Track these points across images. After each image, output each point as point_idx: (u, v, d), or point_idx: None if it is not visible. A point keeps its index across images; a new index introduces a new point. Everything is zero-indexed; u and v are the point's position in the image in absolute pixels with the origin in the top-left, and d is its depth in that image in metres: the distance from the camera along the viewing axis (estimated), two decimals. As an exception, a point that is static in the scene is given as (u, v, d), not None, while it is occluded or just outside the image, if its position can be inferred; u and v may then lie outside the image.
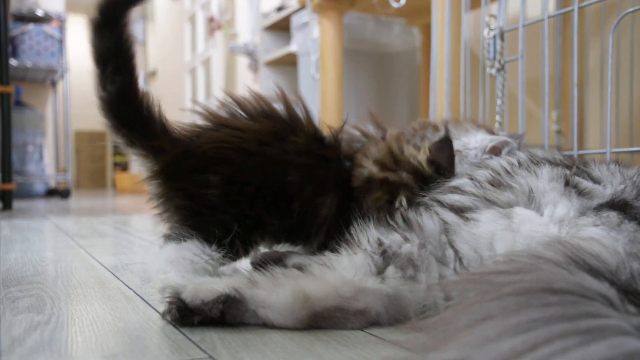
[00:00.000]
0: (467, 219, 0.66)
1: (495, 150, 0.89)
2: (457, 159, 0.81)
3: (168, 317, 0.64)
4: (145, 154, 0.77)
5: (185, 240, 0.74)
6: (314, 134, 0.80)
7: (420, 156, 0.77)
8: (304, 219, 0.77)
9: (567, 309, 0.39)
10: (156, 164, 0.76)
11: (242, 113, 0.79)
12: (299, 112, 0.80)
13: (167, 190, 0.76)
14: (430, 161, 0.77)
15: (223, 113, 0.79)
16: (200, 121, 0.79)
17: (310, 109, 0.82)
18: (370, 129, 0.92)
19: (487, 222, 0.65)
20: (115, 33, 0.74)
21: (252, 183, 0.75)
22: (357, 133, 0.92)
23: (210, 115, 0.79)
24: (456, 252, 0.65)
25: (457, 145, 0.88)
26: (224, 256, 0.74)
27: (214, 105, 0.81)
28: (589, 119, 1.81)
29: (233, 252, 0.76)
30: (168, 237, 0.76)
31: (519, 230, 0.63)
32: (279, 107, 0.80)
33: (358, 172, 0.79)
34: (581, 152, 1.15)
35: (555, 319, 0.38)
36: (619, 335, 0.37)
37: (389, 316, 0.63)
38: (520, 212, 0.65)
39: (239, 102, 0.79)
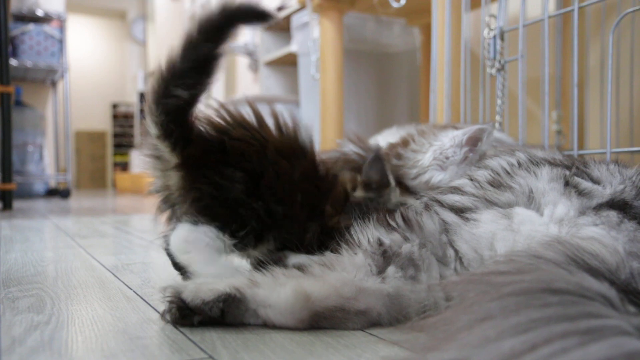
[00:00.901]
0: (467, 219, 0.66)
1: (473, 141, 0.87)
2: (390, 173, 0.91)
3: (168, 317, 0.63)
4: (172, 146, 0.76)
5: (201, 224, 0.74)
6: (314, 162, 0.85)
7: (349, 185, 0.88)
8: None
9: (567, 309, 0.39)
10: (181, 154, 0.76)
11: (265, 123, 0.82)
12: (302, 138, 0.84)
13: (190, 181, 0.76)
14: (364, 183, 0.88)
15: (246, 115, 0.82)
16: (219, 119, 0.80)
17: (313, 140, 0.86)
18: (352, 148, 0.98)
19: (487, 222, 0.65)
20: (210, 48, 0.74)
21: (271, 186, 0.77)
22: (352, 153, 0.97)
23: (234, 115, 0.81)
24: (456, 252, 0.65)
25: (433, 150, 0.89)
26: (235, 245, 0.75)
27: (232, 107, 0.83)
28: (589, 119, 1.81)
29: (244, 243, 0.76)
30: (180, 221, 0.76)
31: (519, 230, 0.63)
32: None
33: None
34: (581, 152, 1.15)
35: (555, 319, 0.38)
36: (618, 335, 0.37)
37: (390, 316, 0.62)
38: (521, 212, 0.65)
39: (255, 113, 0.82)
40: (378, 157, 0.89)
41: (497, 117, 1.29)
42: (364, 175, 0.88)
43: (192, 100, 0.75)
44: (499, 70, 1.28)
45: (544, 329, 0.37)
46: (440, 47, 1.44)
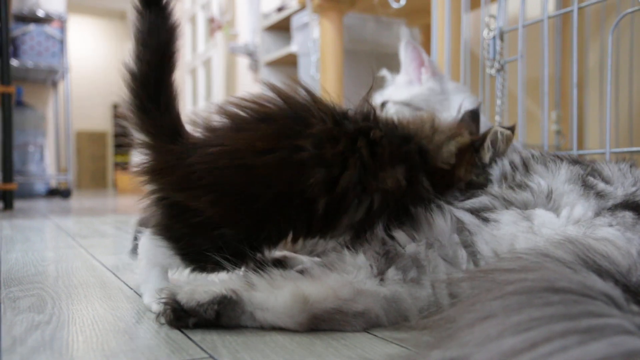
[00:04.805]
0: (486, 220, 0.65)
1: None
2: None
3: (162, 319, 0.63)
4: (145, 147, 0.68)
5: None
6: (333, 112, 0.68)
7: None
8: (337, 211, 0.67)
9: (569, 308, 0.40)
10: (151, 161, 0.68)
11: (237, 129, 0.67)
12: (303, 99, 0.69)
13: (154, 193, 0.69)
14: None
15: (215, 124, 0.68)
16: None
17: (313, 89, 0.70)
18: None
19: (507, 223, 0.64)
20: (157, 14, 0.68)
21: (247, 203, 0.65)
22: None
23: (207, 128, 0.69)
24: (472, 253, 0.63)
25: None
26: (192, 268, 0.68)
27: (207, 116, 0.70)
28: (589, 119, 1.81)
29: (206, 267, 0.68)
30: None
31: (540, 232, 0.63)
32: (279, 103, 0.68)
33: (446, 150, 0.74)
34: (581, 152, 1.15)
35: (556, 317, 0.38)
36: (619, 334, 0.37)
37: (389, 319, 0.62)
38: (541, 214, 0.64)
39: (226, 113, 0.68)
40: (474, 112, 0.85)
41: (497, 118, 1.29)
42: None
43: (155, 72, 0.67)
44: (498, 70, 1.28)
45: (545, 327, 0.37)
46: (440, 47, 1.44)
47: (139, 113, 0.68)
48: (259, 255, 0.69)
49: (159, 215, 0.68)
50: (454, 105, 1.09)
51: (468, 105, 1.00)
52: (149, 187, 0.69)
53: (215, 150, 0.65)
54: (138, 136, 0.68)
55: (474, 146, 0.78)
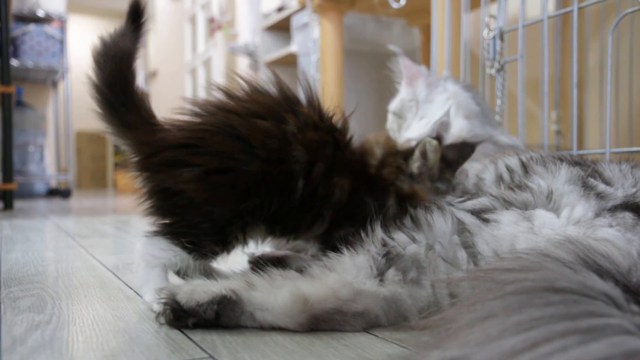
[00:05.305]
0: (486, 220, 0.65)
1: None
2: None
3: (162, 319, 0.63)
4: (129, 145, 0.72)
5: (155, 236, 0.70)
6: (321, 111, 0.75)
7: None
8: (310, 201, 0.72)
9: (569, 308, 0.40)
10: (136, 156, 0.72)
11: (230, 97, 0.72)
12: (302, 92, 0.75)
13: (144, 184, 0.72)
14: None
15: (210, 101, 0.73)
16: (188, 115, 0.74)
17: (314, 86, 0.76)
18: None
19: (508, 224, 0.64)
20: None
21: (239, 169, 0.68)
22: None
23: (195, 105, 0.73)
24: (472, 253, 0.63)
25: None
26: (192, 253, 0.70)
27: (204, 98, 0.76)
28: (589, 119, 1.81)
29: (206, 250, 0.70)
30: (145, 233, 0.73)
31: (540, 233, 0.62)
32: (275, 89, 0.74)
33: (373, 156, 0.79)
34: (581, 152, 1.15)
35: (557, 317, 0.38)
36: (619, 334, 0.37)
37: (388, 319, 0.62)
38: (541, 215, 0.64)
39: (226, 90, 0.73)
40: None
41: (497, 118, 1.29)
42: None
43: (117, 76, 0.71)
44: (498, 70, 1.28)
45: (545, 327, 0.37)
46: (440, 47, 1.44)
47: (111, 118, 0.72)
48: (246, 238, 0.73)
49: (153, 202, 0.72)
50: (427, 114, 1.10)
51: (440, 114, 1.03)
52: (139, 181, 0.72)
53: (206, 120, 0.70)
54: (120, 142, 0.73)
55: (404, 154, 0.80)
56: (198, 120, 0.71)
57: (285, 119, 0.71)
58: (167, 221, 0.71)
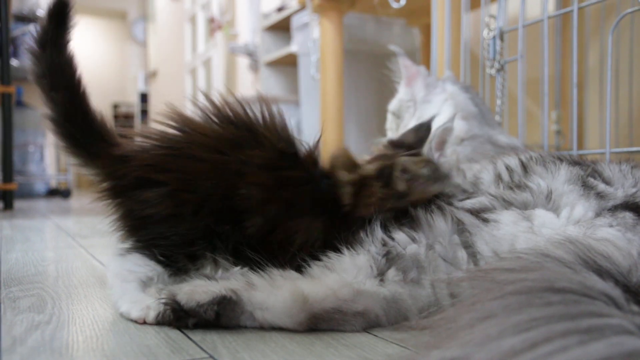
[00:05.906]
0: (486, 220, 0.65)
1: (441, 145, 0.84)
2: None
3: (162, 320, 0.63)
4: (96, 175, 0.74)
5: (130, 253, 0.71)
6: (284, 150, 0.71)
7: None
8: (269, 240, 0.69)
9: (569, 308, 0.40)
10: (101, 183, 0.74)
11: (210, 116, 0.72)
12: (277, 123, 0.72)
13: (116, 210, 0.74)
14: (397, 143, 0.81)
15: (191, 116, 0.73)
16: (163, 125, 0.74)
17: (286, 121, 0.73)
18: None
19: (508, 224, 0.64)
20: (53, 52, 0.75)
21: (198, 192, 0.68)
22: None
23: (174, 118, 0.73)
24: (472, 253, 0.63)
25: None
26: (166, 268, 0.70)
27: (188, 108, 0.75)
28: (589, 119, 1.81)
29: (179, 265, 0.70)
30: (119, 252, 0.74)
31: (540, 232, 0.62)
32: (256, 112, 0.72)
33: (343, 190, 0.72)
34: (581, 152, 1.15)
35: (556, 317, 0.38)
36: (619, 334, 0.37)
37: (388, 319, 0.62)
38: (541, 215, 0.64)
39: (211, 105, 0.72)
40: (417, 127, 0.84)
41: (497, 118, 1.29)
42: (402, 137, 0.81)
43: (70, 109, 0.73)
44: (498, 70, 1.28)
45: (545, 327, 0.37)
46: (440, 47, 1.44)
47: (77, 150, 0.74)
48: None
49: (125, 223, 0.73)
50: (425, 115, 1.10)
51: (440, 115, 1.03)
52: (109, 207, 0.74)
53: (172, 141, 0.71)
54: (85, 170, 0.75)
55: (376, 176, 0.73)
56: (160, 144, 0.71)
57: (243, 161, 0.69)
58: (138, 235, 0.72)
